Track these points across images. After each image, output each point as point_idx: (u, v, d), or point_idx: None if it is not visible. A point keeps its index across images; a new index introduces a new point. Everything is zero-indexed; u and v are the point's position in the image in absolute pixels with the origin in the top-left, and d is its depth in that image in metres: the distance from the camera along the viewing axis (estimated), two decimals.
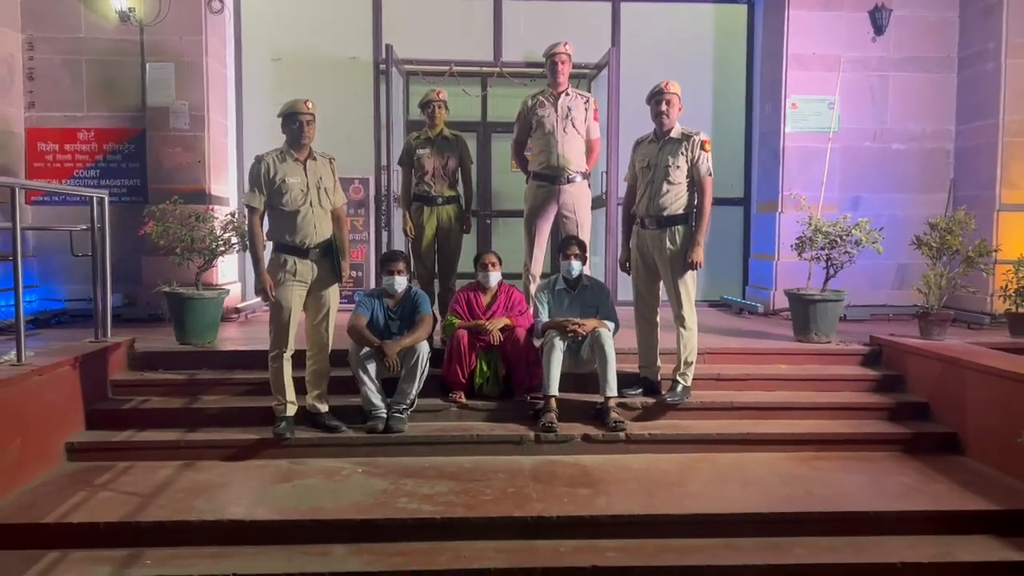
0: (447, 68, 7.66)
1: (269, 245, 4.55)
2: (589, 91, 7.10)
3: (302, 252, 4.47)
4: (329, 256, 4.52)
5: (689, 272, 4.84)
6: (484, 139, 10.53)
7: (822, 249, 5.66)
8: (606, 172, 6.98)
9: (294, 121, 4.46)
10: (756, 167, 7.91)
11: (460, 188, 5.69)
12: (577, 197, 5.48)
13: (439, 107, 5.54)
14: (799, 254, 5.84)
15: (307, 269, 4.49)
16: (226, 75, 7.41)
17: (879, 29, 7.09)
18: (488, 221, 10.82)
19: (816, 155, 7.21)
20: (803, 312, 5.73)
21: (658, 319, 5.05)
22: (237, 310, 6.89)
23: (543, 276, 5.60)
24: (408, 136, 5.78)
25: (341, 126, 7.82)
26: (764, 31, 7.64)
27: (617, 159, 6.77)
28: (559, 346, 4.76)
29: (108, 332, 5.26)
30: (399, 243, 7.08)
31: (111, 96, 6.90)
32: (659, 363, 5.08)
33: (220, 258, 5.76)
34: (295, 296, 4.48)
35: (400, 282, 4.85)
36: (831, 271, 5.72)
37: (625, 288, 5.84)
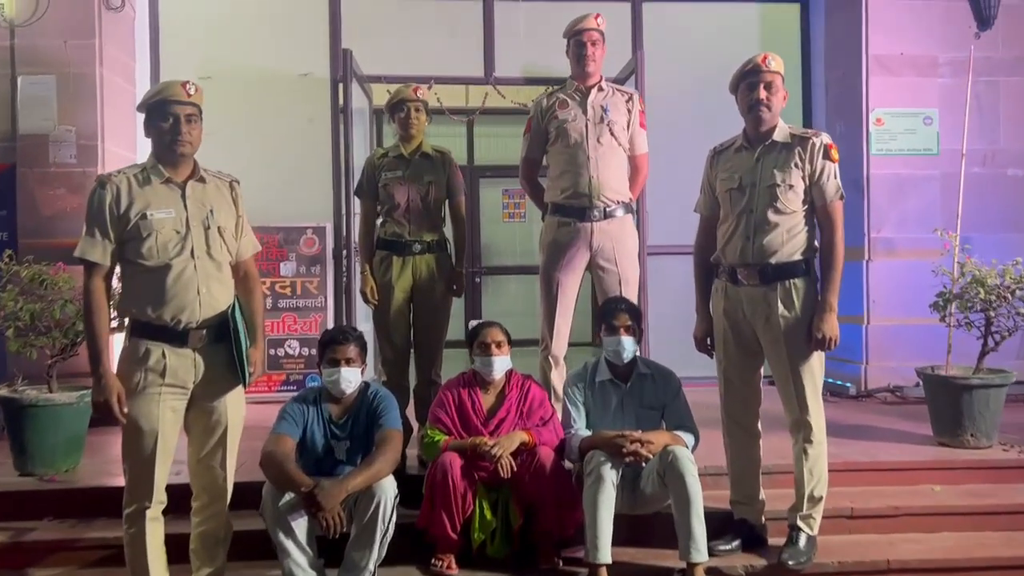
0: (426, 84, 5.93)
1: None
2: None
3: (177, 336, 2.61)
4: (226, 341, 2.67)
5: (816, 354, 3.05)
6: (471, 184, 8.92)
7: (978, 310, 3.86)
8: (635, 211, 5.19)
9: (165, 115, 2.67)
10: None
11: (448, 230, 3.88)
12: (618, 239, 3.69)
13: (416, 110, 3.77)
14: (941, 317, 4.04)
15: (186, 365, 2.63)
16: (133, 94, 5.63)
17: (984, 22, 5.46)
18: (477, 279, 9.11)
19: (911, 184, 5.51)
20: (951, 402, 3.91)
21: (759, 427, 3.23)
22: None
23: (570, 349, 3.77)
24: (370, 154, 3.96)
25: (291, 160, 6.06)
26: (830, 31, 5.99)
27: (646, 192, 4.97)
28: (610, 478, 2.93)
29: None
30: (361, 313, 5.24)
31: None
32: (762, 495, 3.24)
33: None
34: (165, 412, 2.60)
35: (349, 377, 3.01)
36: (990, 341, 3.92)
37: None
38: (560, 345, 3.73)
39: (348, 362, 3.02)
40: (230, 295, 2.73)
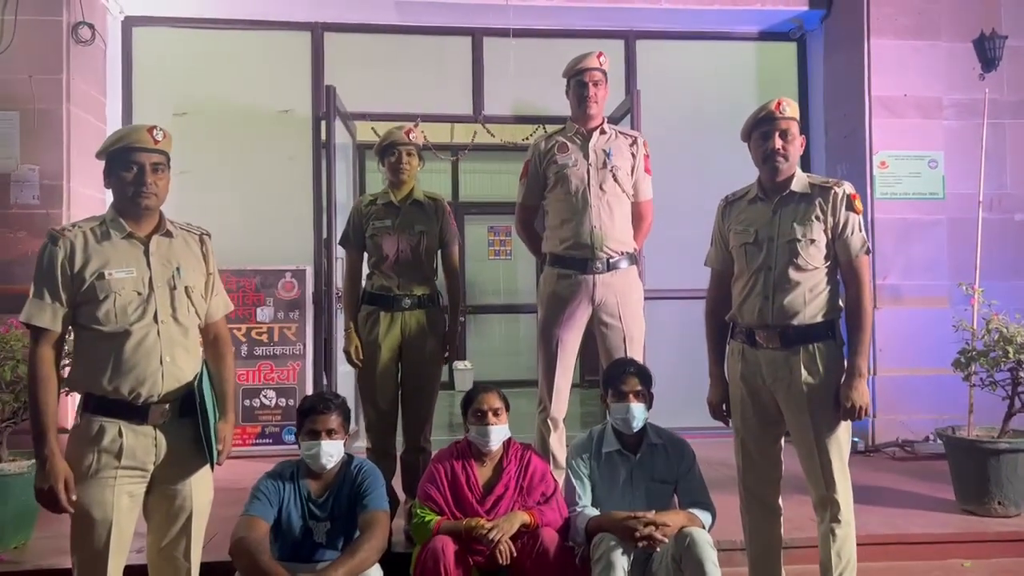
0: (412, 122, 5.69)
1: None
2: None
3: (136, 412, 2.31)
4: (192, 416, 2.37)
5: (843, 425, 2.79)
6: (455, 220, 8.75)
7: (1004, 369, 3.64)
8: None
9: (128, 163, 2.39)
10: None
11: (440, 283, 3.60)
12: (622, 292, 3.44)
13: (408, 154, 3.50)
14: (965, 376, 3.81)
15: (146, 444, 2.32)
16: (104, 132, 5.34)
17: (989, 63, 5.32)
18: (461, 319, 8.86)
19: (917, 230, 5.33)
20: (977, 467, 3.67)
21: (780, 502, 2.95)
22: None
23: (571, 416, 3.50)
24: (357, 200, 3.69)
25: (270, 200, 5.78)
26: (830, 71, 5.84)
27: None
28: (620, 564, 2.64)
29: None
30: (343, 360, 4.94)
31: None
32: None
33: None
34: (120, 499, 2.29)
35: (330, 451, 2.71)
36: (1017, 402, 3.69)
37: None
38: (560, 407, 3.45)
39: (329, 434, 2.72)
40: (197, 363, 2.44)
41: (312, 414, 2.74)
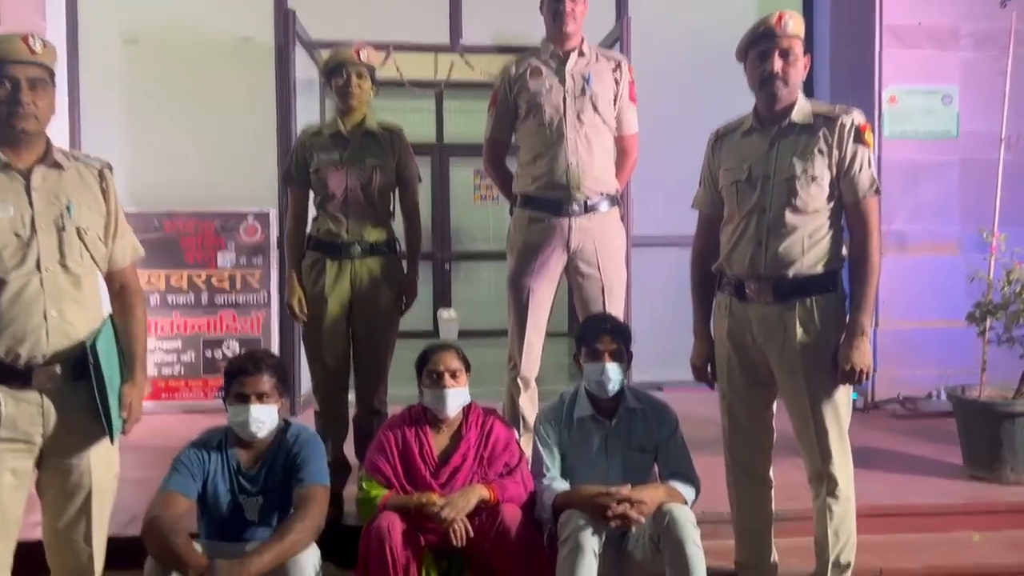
0: (383, 51, 5.25)
1: None
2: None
3: (16, 375, 1.97)
4: (85, 380, 2.02)
5: (842, 389, 2.46)
6: (440, 164, 8.31)
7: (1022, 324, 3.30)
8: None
9: None
10: None
11: (397, 226, 3.20)
12: (601, 238, 3.07)
13: (359, 76, 3.07)
14: (980, 332, 3.47)
15: (30, 413, 1.98)
16: None
17: None
18: (446, 266, 8.50)
19: (927, 171, 4.93)
20: (989, 430, 3.35)
21: (772, 473, 2.64)
22: None
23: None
24: (301, 131, 3.25)
25: (230, 137, 5.35)
26: None
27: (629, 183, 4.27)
28: (590, 546, 2.33)
29: None
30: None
31: None
32: (775, 556, 2.66)
33: None
34: (1, 476, 1.97)
35: (261, 417, 2.37)
36: None
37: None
38: (531, 366, 3.11)
39: (261, 398, 2.38)
40: (94, 318, 2.09)
41: (240, 376, 2.40)
